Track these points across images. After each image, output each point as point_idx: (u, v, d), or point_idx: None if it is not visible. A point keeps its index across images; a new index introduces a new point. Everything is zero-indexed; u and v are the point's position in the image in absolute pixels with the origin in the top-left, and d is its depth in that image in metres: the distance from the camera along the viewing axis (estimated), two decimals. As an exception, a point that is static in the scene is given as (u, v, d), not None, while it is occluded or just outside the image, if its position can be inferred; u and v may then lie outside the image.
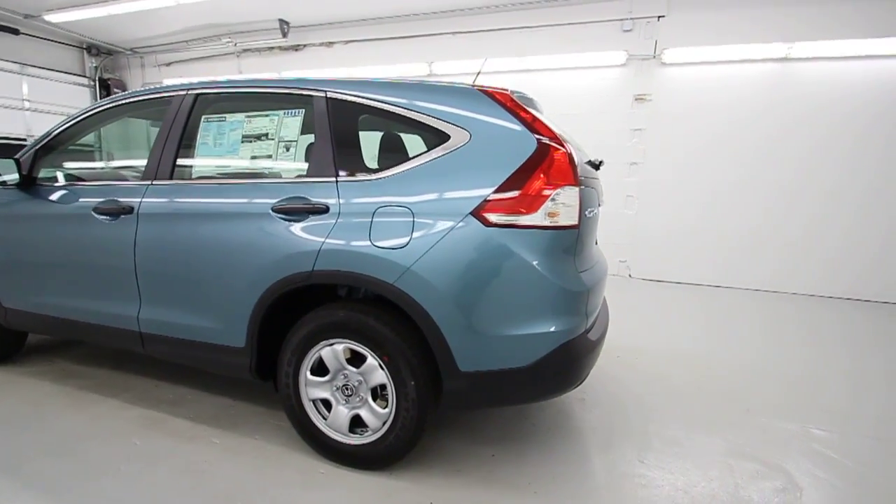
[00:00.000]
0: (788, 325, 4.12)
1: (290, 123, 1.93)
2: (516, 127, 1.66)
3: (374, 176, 1.76)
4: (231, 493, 1.71)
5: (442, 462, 1.92)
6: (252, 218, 1.85)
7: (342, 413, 1.83)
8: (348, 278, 1.70)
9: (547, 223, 1.59)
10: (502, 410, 2.33)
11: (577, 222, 1.65)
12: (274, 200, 1.82)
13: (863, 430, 2.27)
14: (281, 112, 1.96)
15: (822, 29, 4.74)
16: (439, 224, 1.61)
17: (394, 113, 1.79)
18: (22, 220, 2.40)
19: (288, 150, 1.91)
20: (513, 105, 1.71)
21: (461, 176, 1.65)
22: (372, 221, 1.68)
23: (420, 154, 1.73)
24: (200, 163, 2.12)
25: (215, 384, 2.52)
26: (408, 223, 1.64)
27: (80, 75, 7.73)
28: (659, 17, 5.27)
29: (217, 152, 2.05)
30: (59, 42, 7.34)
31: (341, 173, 1.79)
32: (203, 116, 2.09)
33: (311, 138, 1.91)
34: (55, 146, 2.45)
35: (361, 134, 1.87)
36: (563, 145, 1.65)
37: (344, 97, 1.85)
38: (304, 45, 6.80)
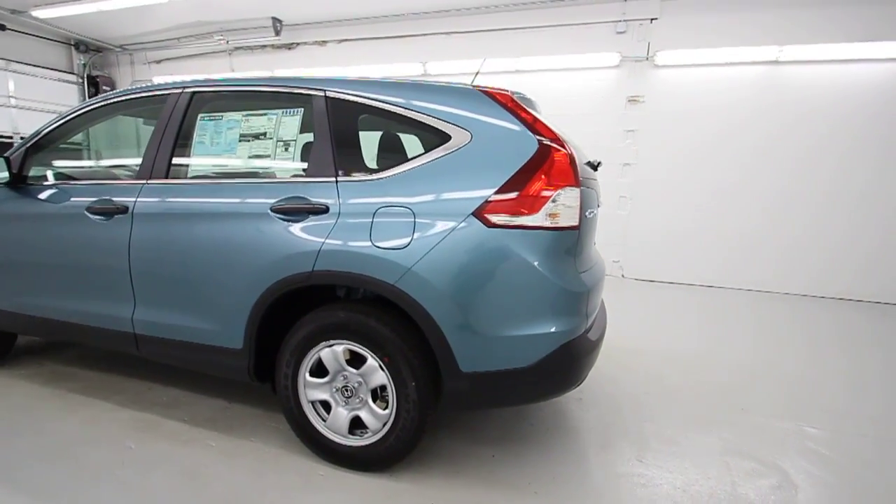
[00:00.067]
0: (783, 325, 4.17)
1: (288, 122, 1.92)
2: (517, 128, 1.66)
3: (374, 176, 1.75)
4: (230, 497, 1.69)
5: (442, 463, 1.91)
6: (250, 218, 1.83)
7: (342, 414, 1.81)
8: (349, 279, 1.69)
9: (548, 224, 1.60)
10: (501, 411, 2.33)
11: (577, 223, 1.66)
12: (272, 200, 1.80)
13: (857, 429, 2.31)
14: (279, 111, 1.94)
15: (811, 32, 4.81)
16: (441, 225, 1.61)
17: (394, 113, 1.78)
18: (11, 220, 2.35)
19: (286, 149, 1.90)
20: (513, 106, 1.71)
21: (462, 176, 1.65)
22: (373, 222, 1.67)
23: (421, 154, 1.73)
24: (197, 162, 2.10)
25: (210, 386, 2.49)
26: (409, 224, 1.63)
27: (68, 72, 7.60)
28: (652, 19, 5.32)
29: (214, 151, 2.02)
30: (47, 38, 7.21)
31: (341, 173, 1.78)
32: (199, 115, 2.07)
33: (309, 138, 1.89)
34: (47, 144, 2.40)
35: (361, 134, 1.86)
36: (563, 146, 1.65)
37: (344, 97, 1.84)
38: (297, 44, 6.75)
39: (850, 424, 2.35)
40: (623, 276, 5.84)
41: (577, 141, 2.36)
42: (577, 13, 5.47)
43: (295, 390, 1.85)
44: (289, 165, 1.92)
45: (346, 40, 6.48)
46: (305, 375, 1.84)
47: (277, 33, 6.50)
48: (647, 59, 5.38)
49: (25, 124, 6.94)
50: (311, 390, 1.84)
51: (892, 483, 1.90)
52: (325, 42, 6.61)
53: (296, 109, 1.92)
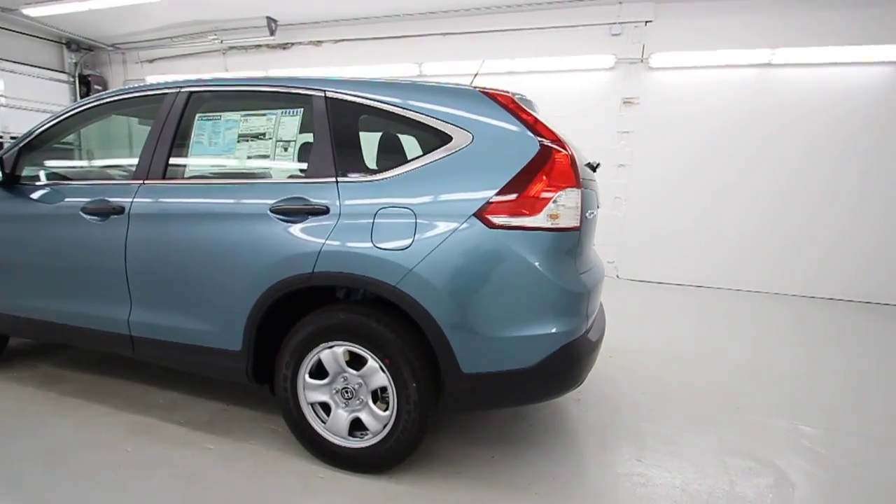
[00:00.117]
0: (779, 326, 4.21)
1: (287, 123, 1.91)
2: (518, 129, 1.66)
3: (375, 177, 1.74)
4: (229, 501, 1.67)
5: (442, 464, 1.91)
6: (249, 219, 1.82)
7: (342, 416, 1.81)
8: (350, 280, 1.69)
9: (549, 225, 1.60)
10: (499, 412, 2.33)
11: (578, 224, 1.67)
12: (272, 201, 1.79)
13: (853, 428, 2.33)
14: (278, 111, 1.93)
15: (804, 36, 4.88)
16: (442, 225, 1.61)
17: (394, 114, 1.78)
18: (4, 221, 2.32)
19: (286, 149, 1.89)
20: (515, 107, 1.72)
21: (464, 177, 1.65)
22: (374, 222, 1.66)
23: (422, 155, 1.72)
24: (195, 162, 2.08)
25: (206, 388, 2.47)
26: (410, 224, 1.63)
27: (59, 71, 7.51)
28: (646, 21, 5.36)
29: (212, 151, 2.01)
30: (38, 37, 7.12)
31: (341, 174, 1.77)
32: (197, 115, 2.05)
33: (309, 138, 1.89)
34: (40, 144, 2.37)
35: (362, 134, 1.85)
36: (564, 147, 1.66)
37: (344, 97, 1.83)
38: (292, 44, 6.73)
39: (846, 423, 2.37)
40: (618, 276, 5.87)
41: (574, 142, 2.37)
42: (573, 15, 5.50)
43: (294, 392, 1.84)
44: (288, 166, 1.91)
45: (341, 40, 6.46)
46: (305, 377, 1.83)
47: (272, 33, 6.47)
48: (642, 61, 5.43)
49: (15, 124, 6.85)
50: (311, 392, 1.83)
51: (887, 481, 1.93)
52: (320, 42, 6.59)
53: (295, 109, 1.91)
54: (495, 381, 1.64)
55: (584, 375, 1.77)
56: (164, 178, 2.03)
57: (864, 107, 4.88)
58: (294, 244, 1.74)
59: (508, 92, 1.77)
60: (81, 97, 7.69)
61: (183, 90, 2.08)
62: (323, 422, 1.85)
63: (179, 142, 2.05)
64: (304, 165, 1.86)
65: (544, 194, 1.59)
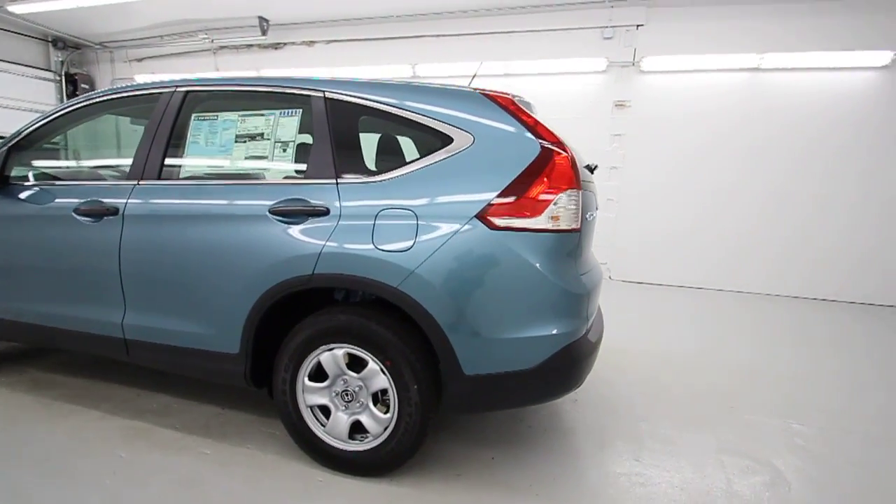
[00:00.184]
0: (773, 327, 4.25)
1: (286, 123, 1.89)
2: (519, 131, 1.67)
3: (376, 178, 1.73)
4: (228, 505, 1.65)
5: (442, 466, 1.91)
6: (248, 220, 1.80)
7: (342, 419, 1.79)
8: (351, 282, 1.68)
9: (550, 227, 1.61)
10: (498, 413, 2.33)
11: (579, 225, 1.68)
12: (271, 202, 1.77)
13: (846, 427, 2.37)
14: (277, 111, 1.91)
15: (793, 41, 4.96)
16: (444, 227, 1.60)
17: (394, 115, 1.77)
18: (-8, 222, 2.27)
19: (285, 150, 1.87)
20: (515, 109, 1.72)
21: (465, 179, 1.65)
22: (375, 224, 1.66)
23: (423, 156, 1.72)
24: (191, 163, 2.05)
25: (200, 392, 2.44)
26: (412, 226, 1.62)
27: (45, 69, 7.37)
28: (638, 25, 5.41)
29: (209, 152, 1.98)
30: (23, 34, 6.99)
31: (342, 175, 1.76)
32: (193, 115, 2.03)
33: (308, 139, 1.87)
34: (31, 143, 2.32)
35: (362, 135, 1.84)
36: (565, 150, 1.67)
37: (344, 98, 1.82)
38: (285, 44, 6.68)
39: (841, 423, 2.41)
40: (610, 277, 5.91)
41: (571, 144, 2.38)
42: (565, 19, 5.54)
43: (293, 395, 1.82)
44: (287, 167, 1.89)
45: (334, 41, 6.43)
46: (304, 380, 1.81)
47: (264, 33, 6.42)
48: (634, 64, 5.48)
49: (0, 123, 6.70)
50: (310, 395, 1.82)
51: (880, 479, 1.97)
52: (313, 43, 6.55)
53: (294, 110, 1.90)
54: (497, 383, 1.64)
55: (584, 376, 1.78)
56: (159, 178, 2.00)
57: (854, 111, 4.97)
58: (294, 246, 1.72)
59: (509, 94, 1.78)
60: (68, 96, 7.56)
61: (179, 89, 2.05)
62: (322, 425, 1.83)
63: (175, 142, 2.02)
64: (304, 166, 1.84)
65: (546, 196, 1.60)
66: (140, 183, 2.00)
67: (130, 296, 2.00)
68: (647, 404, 2.53)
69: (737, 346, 3.62)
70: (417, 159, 1.73)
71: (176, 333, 1.94)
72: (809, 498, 1.81)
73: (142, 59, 7.43)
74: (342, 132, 1.81)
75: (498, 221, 1.58)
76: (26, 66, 7.12)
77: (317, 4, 5.88)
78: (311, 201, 1.74)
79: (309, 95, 1.87)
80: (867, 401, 2.72)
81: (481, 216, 1.59)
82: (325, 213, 1.71)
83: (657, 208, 5.67)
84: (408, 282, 1.60)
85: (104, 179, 2.34)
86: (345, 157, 1.79)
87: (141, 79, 7.29)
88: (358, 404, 1.78)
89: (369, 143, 1.90)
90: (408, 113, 1.75)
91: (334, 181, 1.75)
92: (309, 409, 1.83)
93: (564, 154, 1.65)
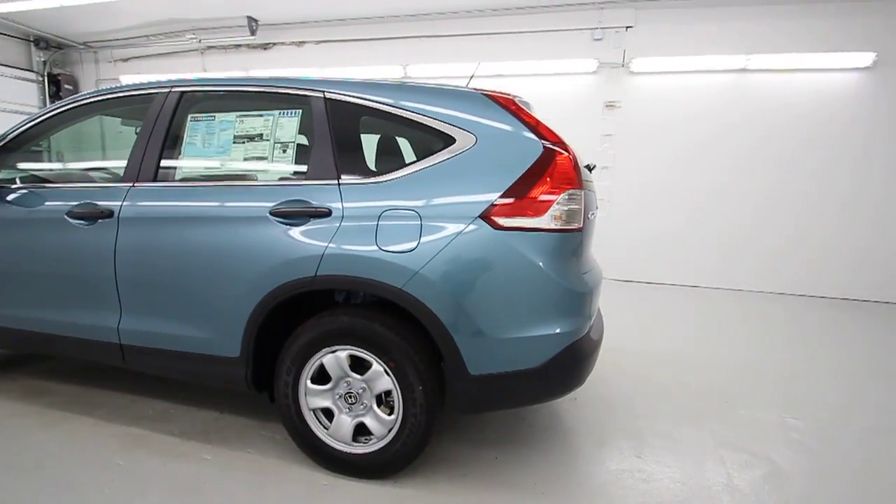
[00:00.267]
0: (768, 324, 4.31)
1: (285, 124, 1.87)
2: (521, 131, 1.68)
3: (378, 179, 1.72)
4: (231, 510, 1.63)
5: (446, 467, 1.90)
6: (248, 222, 1.78)
7: (345, 422, 1.78)
8: (355, 283, 1.67)
9: (553, 226, 1.61)
10: (498, 413, 2.34)
11: (581, 225, 1.69)
12: (271, 203, 1.76)
13: (841, 422, 2.41)
14: (276, 112, 1.89)
15: (781, 42, 5.04)
16: (448, 227, 1.60)
17: (396, 115, 1.77)
18: (-20, 226, 2.21)
19: (284, 151, 1.85)
20: (516, 109, 1.73)
21: (468, 179, 1.65)
22: (378, 225, 1.65)
23: (425, 157, 1.72)
24: (188, 164, 2.02)
25: (198, 396, 2.40)
26: (415, 227, 1.62)
27: (26, 69, 7.20)
28: (627, 27, 5.47)
29: (206, 153, 1.96)
30: (3, 34, 6.81)
31: (343, 176, 1.75)
32: (189, 115, 2.00)
33: (309, 140, 1.86)
34: (19, 145, 2.27)
35: (363, 136, 1.83)
36: (567, 150, 1.68)
37: (344, 98, 1.81)
38: (274, 44, 6.61)
39: (836, 418, 2.45)
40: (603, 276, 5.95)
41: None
42: (556, 20, 5.57)
43: (296, 398, 1.81)
44: (287, 168, 1.87)
45: (324, 41, 6.39)
46: (307, 383, 1.79)
47: (253, 33, 6.35)
48: (623, 65, 5.54)
49: (-21, 124, 6.53)
50: (313, 398, 1.80)
51: (873, 471, 2.01)
52: (302, 43, 6.50)
53: (293, 111, 1.88)
54: (502, 382, 1.65)
55: (587, 374, 1.80)
56: (155, 180, 1.96)
57: (842, 111, 5.06)
58: (295, 247, 1.70)
59: (509, 94, 1.79)
60: (51, 97, 7.39)
61: (174, 90, 2.02)
62: (325, 428, 1.82)
63: (171, 143, 1.99)
64: (304, 167, 1.83)
65: (549, 196, 1.61)
66: (136, 185, 1.97)
67: (126, 300, 1.96)
68: (645, 402, 2.56)
69: (732, 343, 3.66)
70: (420, 160, 1.72)
71: (174, 337, 1.91)
72: (807, 490, 1.85)
73: (127, 59, 7.30)
74: (343, 133, 1.80)
75: (502, 221, 1.59)
76: (7, 66, 6.95)
77: (306, 4, 5.83)
78: (313, 202, 1.72)
79: (308, 96, 1.85)
80: (861, 395, 2.77)
81: (485, 216, 1.59)
82: (326, 214, 1.70)
83: (649, 207, 5.73)
84: (412, 282, 1.59)
85: (95, 182, 2.30)
86: (346, 158, 1.78)
87: (126, 79, 7.16)
88: (362, 406, 1.77)
89: (371, 143, 1.89)
90: (409, 113, 1.75)
91: (336, 182, 1.74)
92: (312, 412, 1.82)
93: (566, 154, 1.66)
